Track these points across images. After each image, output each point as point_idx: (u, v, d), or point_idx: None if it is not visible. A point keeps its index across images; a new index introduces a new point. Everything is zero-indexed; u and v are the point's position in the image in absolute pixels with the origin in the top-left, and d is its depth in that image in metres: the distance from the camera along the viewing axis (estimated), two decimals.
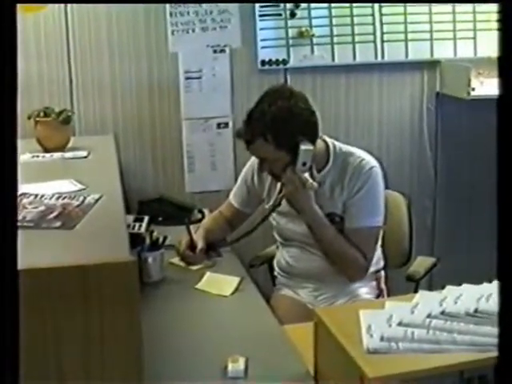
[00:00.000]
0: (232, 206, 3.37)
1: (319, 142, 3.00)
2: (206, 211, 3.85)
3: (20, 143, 3.65)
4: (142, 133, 4.24)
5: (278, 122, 2.81)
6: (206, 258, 3.20)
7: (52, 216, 2.22)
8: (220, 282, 2.93)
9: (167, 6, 4.10)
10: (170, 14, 4.11)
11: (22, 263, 1.71)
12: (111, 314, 1.72)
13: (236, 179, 3.50)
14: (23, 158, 3.36)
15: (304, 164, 2.86)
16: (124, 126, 4.20)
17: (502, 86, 1.21)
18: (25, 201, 2.42)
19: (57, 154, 3.40)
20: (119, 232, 2.09)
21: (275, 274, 3.35)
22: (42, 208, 2.33)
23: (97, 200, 2.42)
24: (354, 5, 4.31)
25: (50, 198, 2.45)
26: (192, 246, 3.18)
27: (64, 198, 2.45)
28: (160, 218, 3.69)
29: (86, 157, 3.36)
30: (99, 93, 4.15)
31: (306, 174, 2.91)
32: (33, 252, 1.88)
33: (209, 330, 2.51)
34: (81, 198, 2.43)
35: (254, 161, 3.18)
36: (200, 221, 3.64)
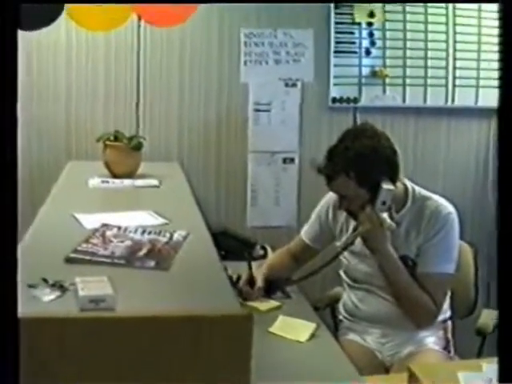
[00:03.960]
0: (302, 241, 3.28)
1: (398, 184, 2.93)
2: (267, 247, 3.76)
3: (86, 165, 3.63)
4: (207, 162, 4.20)
5: (362, 159, 2.76)
6: (264, 296, 3.12)
7: (142, 253, 2.14)
8: (294, 327, 2.82)
9: (242, 35, 4.07)
10: (245, 44, 4.07)
11: (124, 309, 1.64)
12: (220, 368, 1.62)
13: (299, 216, 3.44)
14: (92, 182, 3.30)
15: (384, 203, 2.80)
16: (189, 154, 4.16)
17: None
18: (108, 233, 2.35)
19: (127, 181, 3.33)
20: (218, 277, 2.00)
21: (340, 317, 3.26)
22: (128, 243, 2.25)
23: (184, 237, 2.34)
24: (429, 47, 4.27)
25: (135, 232, 2.37)
26: (251, 281, 3.11)
27: (150, 233, 2.37)
28: (222, 252, 3.60)
29: (158, 186, 3.29)
30: (166, 119, 4.13)
31: (385, 214, 2.84)
32: (132, 295, 1.80)
33: (286, 376, 2.41)
34: (167, 234, 2.35)
35: (330, 197, 3.12)
36: (262, 257, 3.57)
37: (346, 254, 3.08)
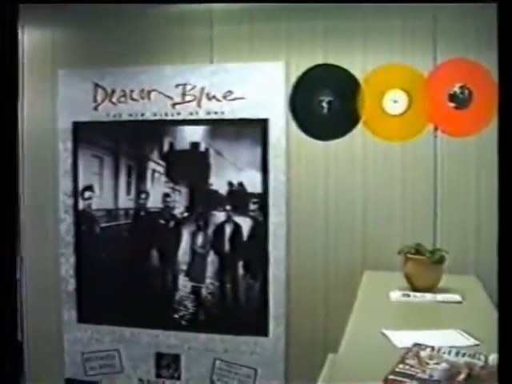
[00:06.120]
0: None
1: None
2: None
3: (383, 276, 3.65)
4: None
5: None
6: None
7: (461, 378, 2.12)
8: None
9: None
10: None
11: None
12: None
13: None
14: (393, 295, 3.33)
15: None
16: (486, 267, 4.04)
17: None
18: (423, 354, 2.35)
19: (428, 295, 3.32)
20: None
21: None
22: (444, 365, 2.23)
23: None
24: None
25: (449, 353, 2.36)
26: None
27: (464, 355, 2.34)
28: None
29: (460, 302, 3.25)
30: (463, 229, 4.09)
31: None
32: None
33: None
34: (482, 357, 2.31)
35: None
36: None
37: None
